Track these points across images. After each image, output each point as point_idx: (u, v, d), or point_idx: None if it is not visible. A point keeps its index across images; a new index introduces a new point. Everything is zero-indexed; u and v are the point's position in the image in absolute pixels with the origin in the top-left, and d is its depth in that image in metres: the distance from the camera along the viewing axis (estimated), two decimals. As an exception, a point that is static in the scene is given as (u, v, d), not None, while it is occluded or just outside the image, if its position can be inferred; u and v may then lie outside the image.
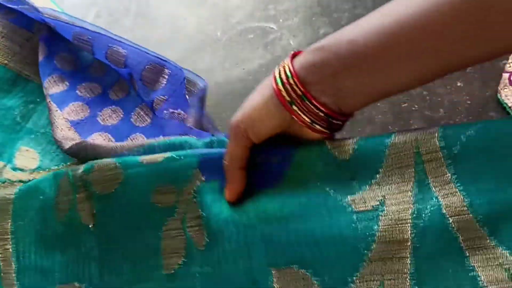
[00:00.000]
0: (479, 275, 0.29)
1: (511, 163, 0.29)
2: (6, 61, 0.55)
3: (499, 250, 0.29)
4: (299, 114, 0.32)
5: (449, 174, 0.30)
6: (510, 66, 0.64)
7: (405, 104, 0.64)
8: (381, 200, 0.32)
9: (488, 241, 0.29)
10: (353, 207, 0.32)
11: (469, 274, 0.29)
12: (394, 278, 0.31)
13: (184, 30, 0.73)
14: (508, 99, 0.62)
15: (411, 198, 0.31)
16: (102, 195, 0.42)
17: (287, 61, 0.33)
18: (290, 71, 0.32)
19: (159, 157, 0.39)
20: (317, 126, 0.33)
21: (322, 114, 0.32)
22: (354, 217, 0.32)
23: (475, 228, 0.29)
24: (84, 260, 0.43)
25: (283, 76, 0.32)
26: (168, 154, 0.39)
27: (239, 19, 0.74)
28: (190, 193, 0.38)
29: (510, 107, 0.60)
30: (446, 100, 0.65)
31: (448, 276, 0.30)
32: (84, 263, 0.43)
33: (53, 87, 0.54)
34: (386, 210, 0.31)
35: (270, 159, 0.36)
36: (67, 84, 0.55)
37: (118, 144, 0.44)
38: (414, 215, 0.31)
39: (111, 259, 0.42)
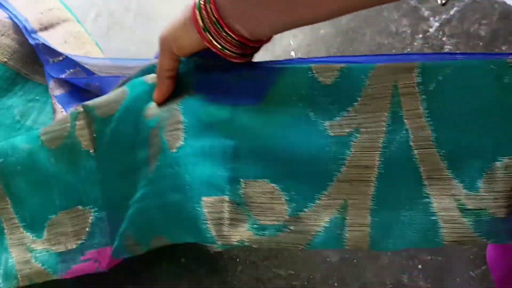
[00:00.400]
0: (432, 202, 0.32)
1: (480, 105, 0.31)
2: (5, 59, 0.55)
3: (454, 182, 0.32)
4: (211, 40, 0.35)
5: (422, 109, 0.32)
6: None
7: (405, 104, 0.65)
8: (356, 127, 0.34)
9: (446, 173, 0.32)
10: (329, 131, 0.34)
11: (423, 200, 0.32)
12: (357, 199, 0.34)
13: (184, 30, 0.73)
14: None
15: (384, 128, 0.33)
16: (103, 118, 0.42)
17: None
18: None
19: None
20: (228, 52, 0.35)
21: (234, 41, 0.34)
22: (329, 140, 0.34)
23: (436, 161, 0.32)
24: (85, 184, 0.44)
25: (201, 1, 0.34)
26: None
27: (239, 19, 0.74)
28: (176, 103, 0.39)
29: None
30: (446, 100, 0.65)
31: (405, 201, 0.33)
32: (85, 187, 0.44)
33: (58, 88, 0.54)
34: (359, 137, 0.34)
35: (255, 76, 0.37)
36: (72, 85, 0.55)
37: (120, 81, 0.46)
38: (384, 144, 0.33)
39: (111, 180, 0.42)
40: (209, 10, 0.34)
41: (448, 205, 0.32)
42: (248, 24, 0.33)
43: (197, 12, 0.34)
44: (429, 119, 0.32)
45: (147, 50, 0.71)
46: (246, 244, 0.35)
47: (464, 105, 0.32)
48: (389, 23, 0.72)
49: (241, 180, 0.36)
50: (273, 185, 0.36)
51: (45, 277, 0.46)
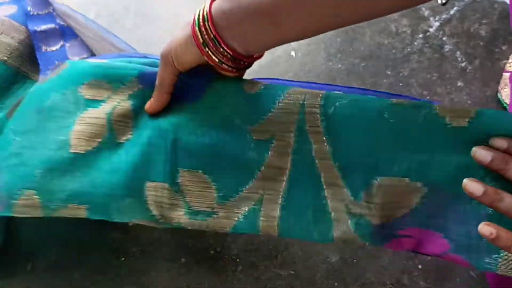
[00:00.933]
0: (328, 203, 0.40)
1: (365, 132, 0.38)
2: (5, 58, 0.55)
3: (345, 190, 0.39)
4: (210, 55, 0.38)
5: (321, 127, 0.39)
6: (510, 66, 0.64)
7: (405, 104, 0.65)
8: (272, 135, 0.41)
9: (340, 181, 0.39)
10: (253, 135, 0.41)
11: (322, 201, 0.40)
12: (271, 194, 0.40)
13: (184, 30, 0.73)
14: (508, 98, 0.62)
15: (293, 138, 0.40)
16: (37, 86, 0.45)
17: (207, 3, 0.37)
18: (206, 14, 0.36)
19: (103, 60, 0.45)
20: (225, 66, 0.39)
21: (229, 56, 0.37)
22: (252, 144, 0.41)
23: (332, 171, 0.39)
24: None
25: (200, 18, 0.37)
26: (112, 60, 0.45)
27: (239, 19, 0.74)
28: (125, 95, 0.44)
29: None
30: (446, 100, 0.65)
31: (308, 200, 0.40)
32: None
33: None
34: (275, 143, 0.40)
35: (193, 80, 0.42)
36: None
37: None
38: (294, 151, 0.40)
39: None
40: (207, 27, 0.36)
41: (339, 207, 0.39)
42: (242, 41, 0.36)
43: (196, 29, 0.37)
44: (327, 136, 0.39)
45: (147, 50, 0.71)
46: (182, 225, 0.41)
47: (354, 130, 0.39)
48: (389, 23, 0.72)
49: (179, 169, 0.41)
50: (205, 176, 0.41)
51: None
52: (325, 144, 0.40)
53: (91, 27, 0.61)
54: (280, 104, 0.40)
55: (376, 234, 0.39)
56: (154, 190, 0.41)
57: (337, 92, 0.40)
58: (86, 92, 0.43)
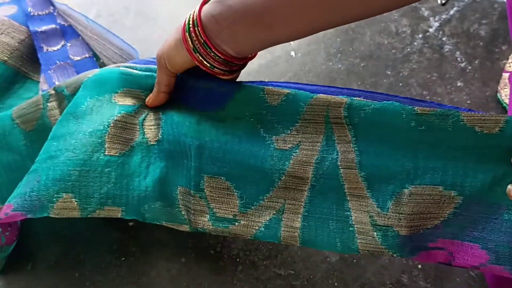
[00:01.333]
0: (352, 215, 0.39)
1: (393, 141, 0.38)
2: (5, 58, 0.55)
3: (370, 201, 0.38)
4: (201, 60, 0.38)
5: (350, 136, 0.39)
6: (510, 66, 0.64)
7: (405, 104, 0.65)
8: (297, 144, 0.40)
9: (365, 192, 0.39)
10: (275, 144, 0.41)
11: (345, 213, 0.39)
12: (292, 204, 0.40)
13: (184, 30, 0.73)
14: (507, 98, 0.62)
15: (318, 148, 0.40)
16: (73, 95, 0.46)
17: (197, 8, 0.37)
18: (196, 19, 0.36)
19: (136, 70, 0.46)
20: (217, 70, 0.39)
21: (221, 60, 0.37)
22: (274, 153, 0.41)
23: (358, 181, 0.39)
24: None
25: (191, 23, 0.37)
26: (144, 68, 0.47)
27: (239, 19, 0.74)
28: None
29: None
30: (446, 100, 0.65)
31: (330, 211, 0.39)
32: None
33: (46, 83, 0.55)
34: (298, 153, 0.40)
35: (216, 88, 0.43)
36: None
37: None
38: (317, 161, 0.40)
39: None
40: (197, 32, 0.36)
41: (363, 219, 0.38)
42: (233, 43, 0.36)
43: (187, 34, 0.37)
44: (355, 145, 0.39)
45: (147, 50, 0.71)
46: (206, 231, 0.42)
47: (381, 139, 0.38)
48: (389, 23, 0.72)
49: (204, 175, 0.42)
50: (227, 182, 0.42)
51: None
52: (352, 153, 0.39)
53: (91, 26, 0.61)
54: (304, 116, 0.40)
55: (404, 245, 0.38)
56: (182, 195, 0.42)
57: (358, 99, 0.39)
58: (120, 99, 0.45)
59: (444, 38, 0.70)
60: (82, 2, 0.73)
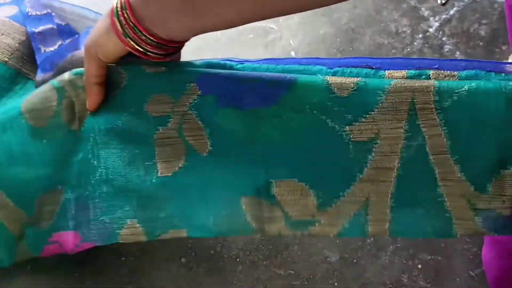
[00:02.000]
0: (445, 200, 0.36)
1: (491, 122, 0.35)
2: (6, 59, 0.55)
3: (467, 184, 0.36)
4: (133, 45, 0.35)
5: (438, 120, 0.36)
6: (510, 66, 0.64)
7: (405, 104, 0.65)
8: (376, 133, 0.37)
9: (459, 175, 0.36)
10: (350, 136, 0.37)
11: (438, 200, 0.36)
12: (379, 197, 0.37)
13: (184, 30, 0.73)
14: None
15: (402, 135, 0.36)
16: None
17: None
18: (124, 2, 0.34)
19: (161, 68, 0.41)
20: (151, 54, 0.36)
21: (154, 43, 0.35)
22: (351, 146, 0.37)
23: (450, 165, 0.36)
24: (67, 165, 0.43)
25: (119, 7, 0.34)
26: (169, 68, 0.41)
27: (239, 19, 0.74)
28: (186, 105, 0.40)
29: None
30: (446, 100, 0.65)
31: (421, 199, 0.37)
32: (68, 167, 0.43)
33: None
34: (380, 143, 0.37)
35: (266, 81, 0.39)
36: None
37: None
38: (403, 149, 0.37)
39: (99, 165, 0.42)
40: (126, 16, 0.34)
41: (460, 204, 0.36)
42: (164, 29, 0.34)
43: (115, 19, 0.35)
44: (444, 128, 0.36)
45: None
46: (283, 236, 0.41)
47: (477, 121, 0.35)
48: (389, 23, 0.72)
49: (272, 181, 0.39)
50: (301, 183, 0.38)
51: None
52: (442, 137, 0.36)
53: (87, 16, 0.62)
54: (383, 104, 0.37)
55: (506, 226, 0.36)
56: (250, 205, 0.39)
57: (446, 77, 0.36)
58: (152, 109, 0.40)
59: (444, 38, 0.70)
60: (82, 2, 0.72)
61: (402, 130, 0.36)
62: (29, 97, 0.45)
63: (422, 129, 0.36)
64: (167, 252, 0.56)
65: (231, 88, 0.39)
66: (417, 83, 0.36)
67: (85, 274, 0.54)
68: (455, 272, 0.54)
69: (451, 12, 0.72)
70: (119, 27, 0.35)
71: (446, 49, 0.69)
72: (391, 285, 0.54)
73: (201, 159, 0.40)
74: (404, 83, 0.36)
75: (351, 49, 0.70)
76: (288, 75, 0.38)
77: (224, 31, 0.73)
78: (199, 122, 0.40)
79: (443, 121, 0.36)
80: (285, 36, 0.72)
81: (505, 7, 0.51)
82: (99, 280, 0.54)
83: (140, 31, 0.34)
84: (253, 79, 0.39)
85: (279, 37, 0.72)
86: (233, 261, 0.55)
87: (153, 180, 0.40)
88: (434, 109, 0.36)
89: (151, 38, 0.35)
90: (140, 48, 0.36)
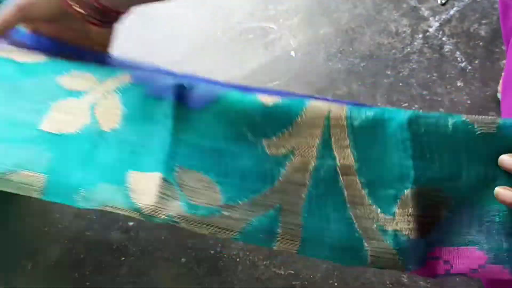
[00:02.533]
0: (355, 222, 0.37)
1: (392, 144, 0.36)
2: None
3: (373, 207, 0.37)
4: (76, 8, 0.36)
5: (348, 141, 0.37)
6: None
7: (406, 104, 0.64)
8: (291, 150, 0.38)
9: (366, 199, 0.37)
10: (266, 150, 0.38)
11: (348, 221, 0.37)
12: (291, 206, 0.37)
13: (184, 30, 0.73)
14: (508, 99, 0.62)
15: (315, 153, 0.38)
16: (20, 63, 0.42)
17: None
18: None
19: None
20: (92, 19, 0.37)
21: (96, 9, 0.36)
22: (266, 158, 0.38)
23: (358, 188, 0.37)
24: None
25: None
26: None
27: (239, 19, 0.74)
28: (112, 88, 0.41)
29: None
30: (446, 100, 0.65)
31: (332, 218, 0.37)
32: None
33: None
34: (294, 159, 0.38)
35: (200, 86, 0.40)
36: None
37: None
38: (315, 168, 0.38)
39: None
40: None
41: (370, 226, 0.37)
42: None
43: None
44: (353, 150, 0.37)
45: (147, 50, 0.71)
46: (175, 220, 0.36)
47: (379, 142, 0.37)
48: (389, 23, 0.72)
49: (177, 165, 0.38)
50: (206, 176, 0.38)
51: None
52: (350, 158, 0.38)
53: None
54: (302, 118, 0.38)
55: (417, 249, 0.36)
56: (142, 179, 0.38)
57: (361, 105, 0.38)
58: (66, 82, 0.41)
59: (444, 38, 0.70)
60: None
61: (315, 149, 0.38)
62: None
63: (334, 149, 0.38)
64: (167, 252, 0.56)
65: (165, 84, 0.40)
66: (333, 102, 0.38)
67: (85, 274, 0.54)
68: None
69: (451, 12, 0.72)
70: None
71: (446, 49, 0.69)
72: (391, 285, 0.54)
73: (99, 131, 0.39)
74: (321, 102, 0.38)
75: (351, 49, 0.70)
76: (223, 88, 0.40)
77: (224, 31, 0.73)
78: (121, 103, 0.40)
79: (352, 142, 0.37)
80: (285, 36, 0.72)
81: (499, 6, 0.51)
82: (99, 280, 0.54)
83: None
84: (189, 82, 0.40)
85: (279, 37, 0.72)
86: (233, 261, 0.55)
87: (34, 132, 0.39)
88: (345, 127, 0.38)
89: (95, 4, 0.35)
90: (83, 11, 0.36)
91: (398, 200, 0.37)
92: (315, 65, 0.69)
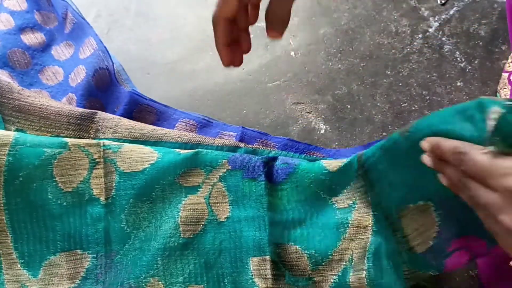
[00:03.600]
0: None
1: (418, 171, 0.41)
2: None
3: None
4: None
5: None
6: (509, 66, 0.64)
7: (405, 104, 0.64)
8: (354, 200, 0.47)
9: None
10: (336, 205, 0.48)
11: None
12: (360, 252, 0.45)
13: (184, 30, 0.73)
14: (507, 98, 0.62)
15: (371, 202, 0.46)
16: (127, 172, 0.48)
17: None
18: None
19: (193, 151, 0.50)
20: None
21: None
22: (337, 211, 0.47)
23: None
24: (88, 229, 0.47)
25: None
26: (202, 150, 0.51)
27: (239, 19, 0.74)
28: (217, 177, 0.49)
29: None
30: (446, 100, 0.65)
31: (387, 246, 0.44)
32: (88, 232, 0.47)
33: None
34: (357, 207, 0.46)
35: (277, 164, 0.50)
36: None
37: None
38: (374, 212, 0.46)
39: (123, 229, 0.47)
40: None
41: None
42: None
43: None
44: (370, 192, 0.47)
45: (147, 50, 0.71)
46: None
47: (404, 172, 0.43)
48: (389, 23, 0.72)
49: (275, 243, 0.46)
50: (296, 246, 0.47)
51: None
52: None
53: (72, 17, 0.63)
54: (357, 179, 0.47)
55: (429, 260, 0.42)
56: (258, 264, 0.46)
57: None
58: (183, 181, 0.48)
59: (444, 38, 0.70)
60: (82, 3, 0.72)
61: (370, 199, 0.46)
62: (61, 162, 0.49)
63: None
64: (168, 252, 0.55)
65: (255, 165, 0.49)
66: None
67: None
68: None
69: (451, 12, 0.72)
70: None
71: (446, 49, 0.69)
72: (391, 285, 0.54)
73: (219, 222, 0.48)
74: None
75: (351, 49, 0.70)
76: (292, 159, 0.51)
77: (224, 31, 0.73)
78: (226, 190, 0.49)
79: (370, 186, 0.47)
80: (285, 36, 0.72)
81: (506, 7, 0.51)
82: (99, 280, 0.54)
83: None
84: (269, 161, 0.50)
85: (279, 37, 0.72)
86: (234, 261, 0.55)
87: (177, 242, 0.46)
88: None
89: None
90: None
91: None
92: (315, 65, 0.69)
